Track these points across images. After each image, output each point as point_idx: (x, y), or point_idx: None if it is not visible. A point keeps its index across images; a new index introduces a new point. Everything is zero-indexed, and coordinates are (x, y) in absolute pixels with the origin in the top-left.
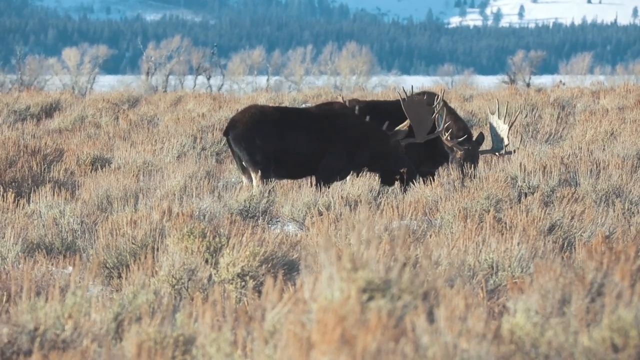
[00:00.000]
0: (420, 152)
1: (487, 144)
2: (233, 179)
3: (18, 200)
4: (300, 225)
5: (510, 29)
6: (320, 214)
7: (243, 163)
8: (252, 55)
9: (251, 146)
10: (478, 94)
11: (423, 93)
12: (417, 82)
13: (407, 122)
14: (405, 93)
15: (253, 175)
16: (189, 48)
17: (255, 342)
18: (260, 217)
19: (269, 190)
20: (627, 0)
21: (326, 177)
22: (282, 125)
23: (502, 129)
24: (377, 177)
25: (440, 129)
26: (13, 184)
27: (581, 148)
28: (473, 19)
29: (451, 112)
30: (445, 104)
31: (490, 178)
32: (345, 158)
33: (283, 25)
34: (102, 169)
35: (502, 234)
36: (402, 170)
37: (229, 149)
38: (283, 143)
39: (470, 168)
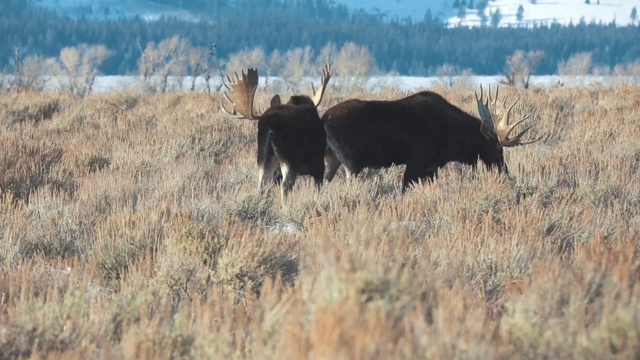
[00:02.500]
0: (430, 152)
1: None
2: (232, 180)
3: (16, 201)
4: (299, 226)
5: (508, 30)
6: (319, 214)
7: (279, 155)
8: (251, 56)
9: (297, 141)
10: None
11: (424, 93)
12: (415, 83)
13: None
14: (328, 71)
15: (285, 167)
16: (188, 49)
17: (254, 342)
18: (259, 218)
19: (268, 191)
20: (626, 1)
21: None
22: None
23: (498, 114)
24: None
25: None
26: (11, 184)
27: (580, 149)
28: (472, 20)
29: (457, 110)
30: (446, 103)
31: (489, 179)
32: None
33: (282, 26)
34: (100, 169)
35: (501, 235)
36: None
37: (261, 140)
38: (322, 143)
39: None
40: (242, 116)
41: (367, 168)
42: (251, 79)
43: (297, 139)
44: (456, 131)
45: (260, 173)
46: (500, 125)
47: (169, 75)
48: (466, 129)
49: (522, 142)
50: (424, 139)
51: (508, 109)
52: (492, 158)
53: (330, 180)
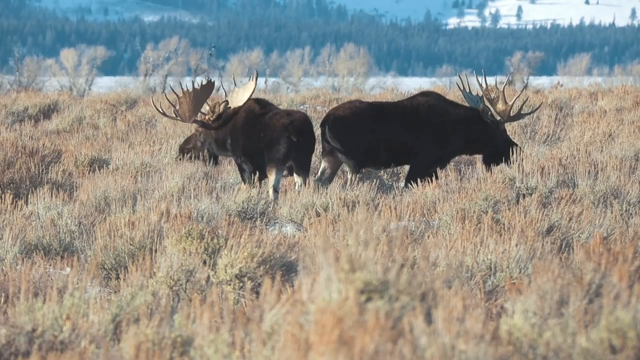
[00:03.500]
0: (435, 152)
1: None
2: (231, 180)
3: (16, 202)
4: (299, 227)
5: (508, 30)
6: (318, 215)
7: (302, 160)
8: (250, 57)
9: (311, 146)
10: None
11: (424, 93)
12: (415, 84)
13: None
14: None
15: (304, 171)
16: (187, 49)
17: (253, 343)
18: (259, 219)
19: (267, 192)
20: (625, 2)
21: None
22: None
23: (494, 96)
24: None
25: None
26: (11, 185)
27: (579, 149)
28: (471, 20)
29: (456, 105)
30: (446, 100)
31: (488, 179)
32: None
33: (281, 27)
34: (100, 170)
35: (500, 235)
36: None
37: (279, 144)
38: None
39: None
40: (178, 119)
41: (367, 168)
42: (207, 90)
43: (312, 144)
44: (460, 125)
45: (271, 174)
46: (500, 106)
47: (168, 76)
48: (468, 121)
49: (524, 113)
50: (429, 139)
51: (502, 88)
52: (498, 140)
53: (331, 181)
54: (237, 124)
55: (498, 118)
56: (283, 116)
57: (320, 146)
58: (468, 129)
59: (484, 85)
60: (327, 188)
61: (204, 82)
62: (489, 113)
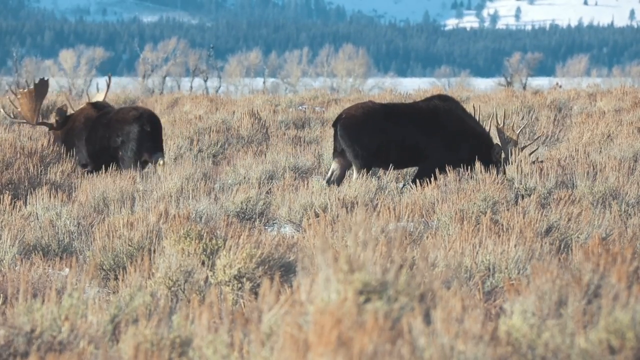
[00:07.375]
0: (446, 156)
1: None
2: (230, 181)
3: (15, 202)
4: (297, 227)
5: (506, 31)
6: (317, 215)
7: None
8: (249, 57)
9: None
10: (475, 96)
11: (442, 97)
12: (413, 84)
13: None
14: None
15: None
16: (186, 50)
17: (252, 344)
18: (257, 219)
19: (266, 192)
20: (624, 2)
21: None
22: None
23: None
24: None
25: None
26: (10, 185)
27: (578, 150)
28: (470, 21)
29: (474, 120)
30: (464, 110)
31: (487, 180)
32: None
33: (280, 27)
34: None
35: (499, 236)
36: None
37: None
38: None
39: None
40: (24, 121)
41: (374, 168)
42: (41, 88)
43: (161, 132)
44: (471, 140)
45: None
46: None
47: (167, 77)
48: (481, 142)
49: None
50: (442, 143)
51: (517, 132)
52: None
53: (340, 182)
54: (74, 128)
55: (502, 160)
56: (130, 110)
57: (333, 146)
58: (475, 148)
59: (500, 122)
60: (333, 189)
61: (37, 82)
62: (499, 154)
